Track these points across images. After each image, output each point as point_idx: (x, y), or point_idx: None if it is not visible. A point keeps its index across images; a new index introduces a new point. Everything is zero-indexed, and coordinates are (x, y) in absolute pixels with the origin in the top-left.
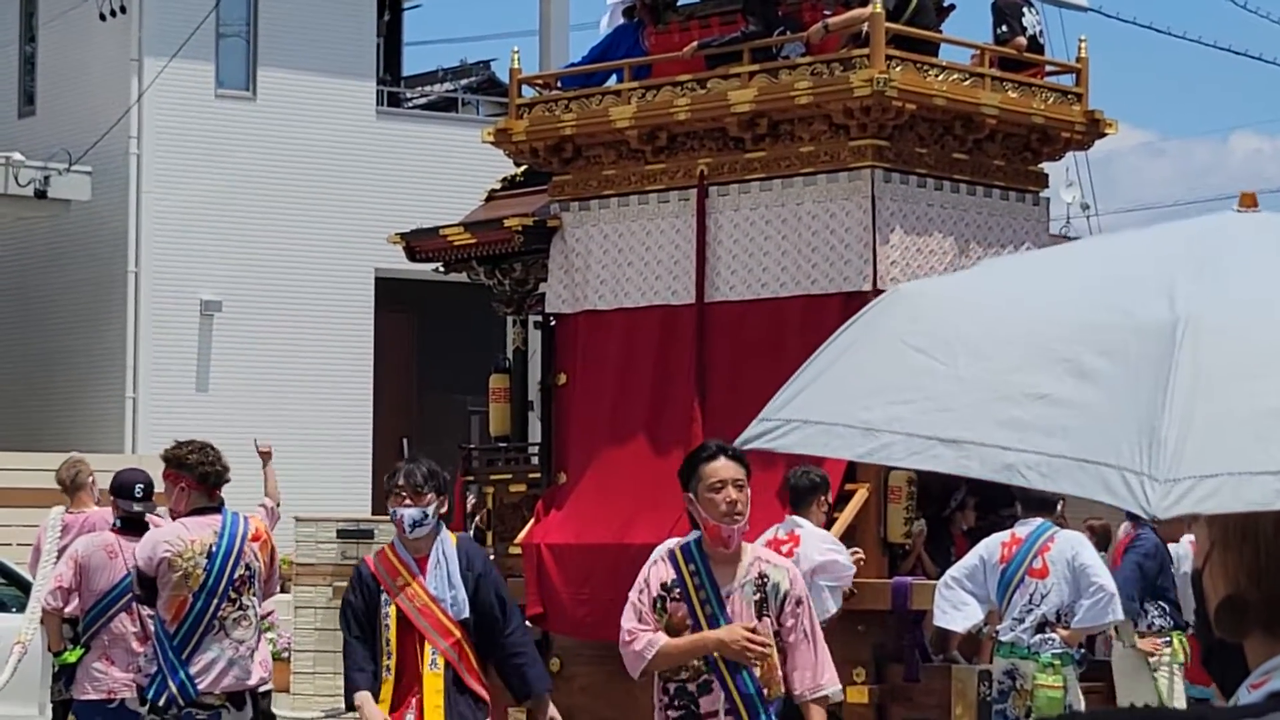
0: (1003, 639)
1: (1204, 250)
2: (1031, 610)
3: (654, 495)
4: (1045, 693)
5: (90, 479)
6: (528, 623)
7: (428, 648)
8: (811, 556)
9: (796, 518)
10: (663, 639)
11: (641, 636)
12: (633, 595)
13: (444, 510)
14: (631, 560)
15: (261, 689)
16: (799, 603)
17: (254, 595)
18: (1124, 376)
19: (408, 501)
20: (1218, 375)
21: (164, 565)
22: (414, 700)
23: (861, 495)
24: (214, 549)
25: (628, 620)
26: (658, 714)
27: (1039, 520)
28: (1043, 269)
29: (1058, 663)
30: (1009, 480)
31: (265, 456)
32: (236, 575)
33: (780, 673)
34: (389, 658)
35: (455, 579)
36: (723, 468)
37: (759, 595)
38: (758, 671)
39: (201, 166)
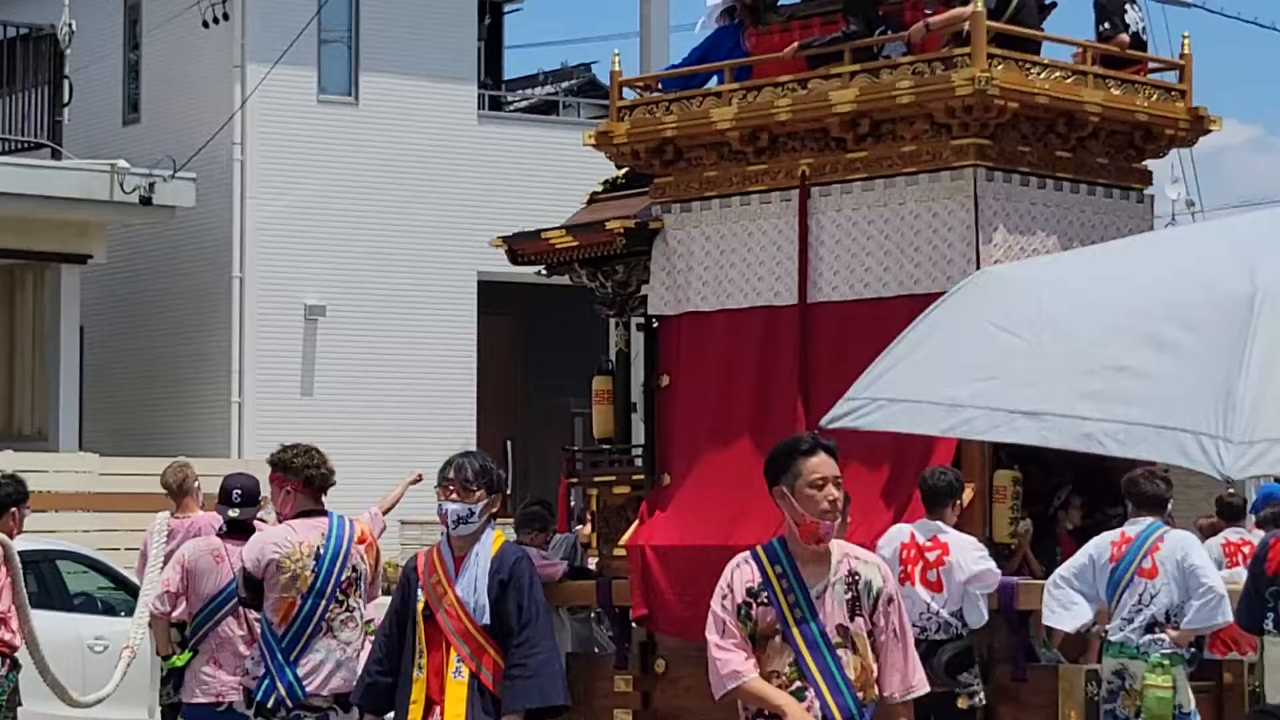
0: (1112, 639)
1: None
2: (1141, 610)
3: (758, 496)
4: (1155, 693)
5: (196, 484)
6: (636, 624)
7: (452, 653)
8: (968, 567)
9: (937, 522)
10: (749, 676)
11: (728, 659)
12: (715, 604)
13: (494, 509)
14: None
15: None
16: (890, 600)
17: (359, 597)
18: (1203, 347)
19: (454, 496)
20: None
21: (272, 567)
22: (438, 709)
23: (966, 495)
24: (321, 551)
25: (712, 633)
26: None
27: (1149, 519)
28: (1126, 253)
29: (1167, 663)
30: (1087, 449)
31: (415, 481)
32: (344, 577)
33: (875, 675)
34: (421, 656)
35: (481, 583)
36: (823, 464)
37: (850, 594)
38: (851, 674)
39: (305, 172)
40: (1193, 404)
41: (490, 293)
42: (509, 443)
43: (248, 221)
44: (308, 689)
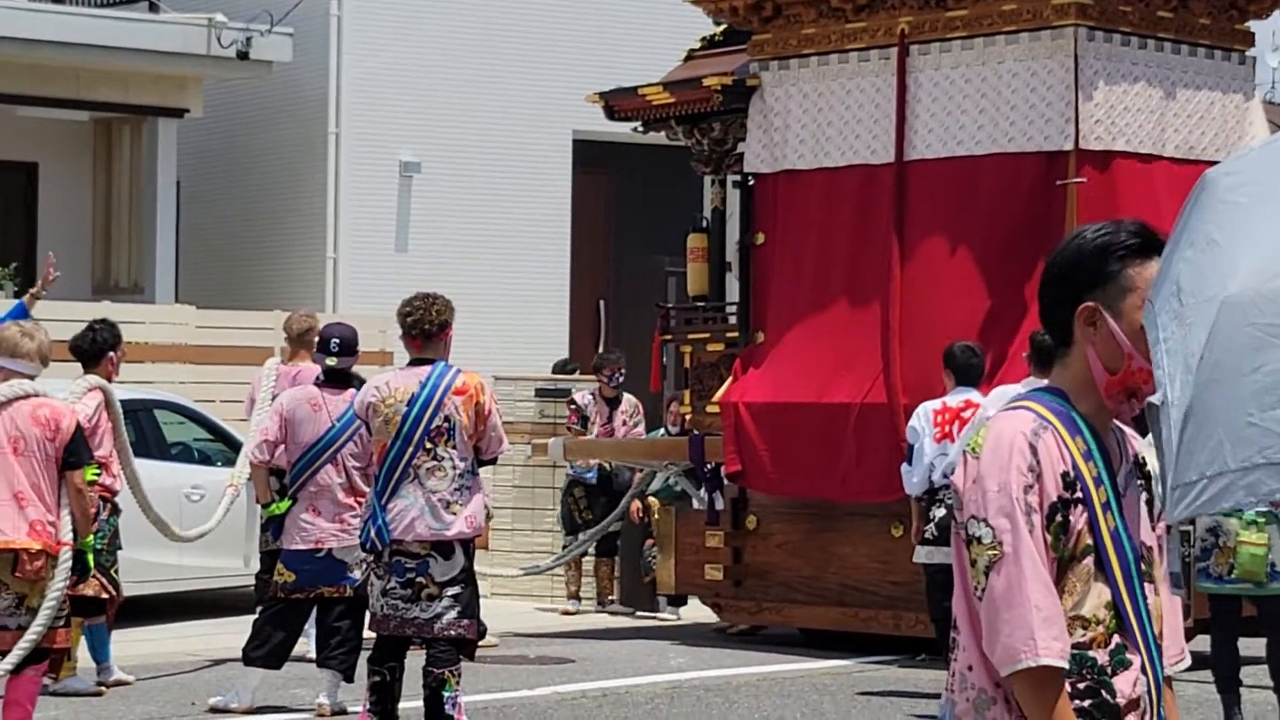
0: None
1: None
2: None
3: (851, 354)
4: (1248, 549)
5: (315, 337)
6: (727, 479)
7: None
8: None
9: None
10: (1060, 662)
11: (1037, 607)
12: (1012, 493)
13: None
14: (828, 418)
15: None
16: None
17: (452, 448)
18: None
19: None
20: None
21: (370, 410)
22: None
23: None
24: (414, 397)
25: (1008, 544)
26: None
27: None
28: None
29: (1262, 520)
30: None
31: None
32: (434, 425)
33: None
34: None
35: None
36: None
37: (1146, 492)
38: (1156, 623)
39: (401, 27)
40: None
41: (585, 151)
42: (601, 301)
43: (344, 78)
44: (393, 533)
